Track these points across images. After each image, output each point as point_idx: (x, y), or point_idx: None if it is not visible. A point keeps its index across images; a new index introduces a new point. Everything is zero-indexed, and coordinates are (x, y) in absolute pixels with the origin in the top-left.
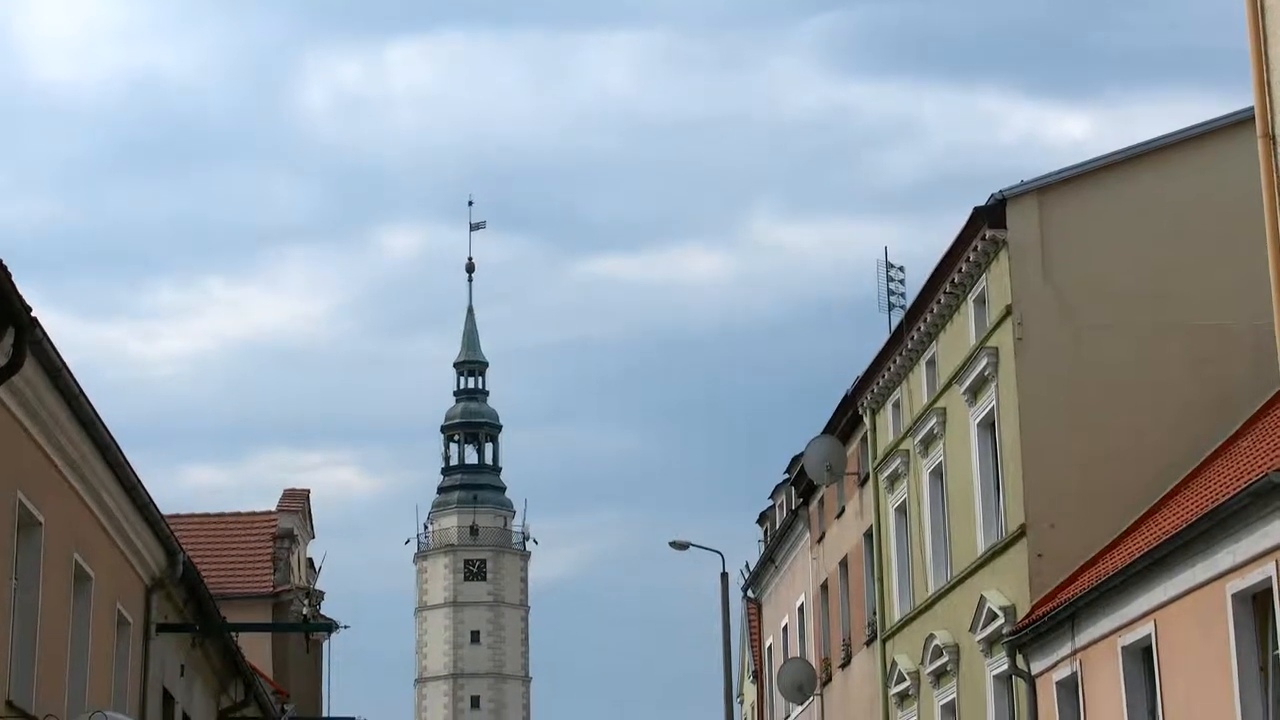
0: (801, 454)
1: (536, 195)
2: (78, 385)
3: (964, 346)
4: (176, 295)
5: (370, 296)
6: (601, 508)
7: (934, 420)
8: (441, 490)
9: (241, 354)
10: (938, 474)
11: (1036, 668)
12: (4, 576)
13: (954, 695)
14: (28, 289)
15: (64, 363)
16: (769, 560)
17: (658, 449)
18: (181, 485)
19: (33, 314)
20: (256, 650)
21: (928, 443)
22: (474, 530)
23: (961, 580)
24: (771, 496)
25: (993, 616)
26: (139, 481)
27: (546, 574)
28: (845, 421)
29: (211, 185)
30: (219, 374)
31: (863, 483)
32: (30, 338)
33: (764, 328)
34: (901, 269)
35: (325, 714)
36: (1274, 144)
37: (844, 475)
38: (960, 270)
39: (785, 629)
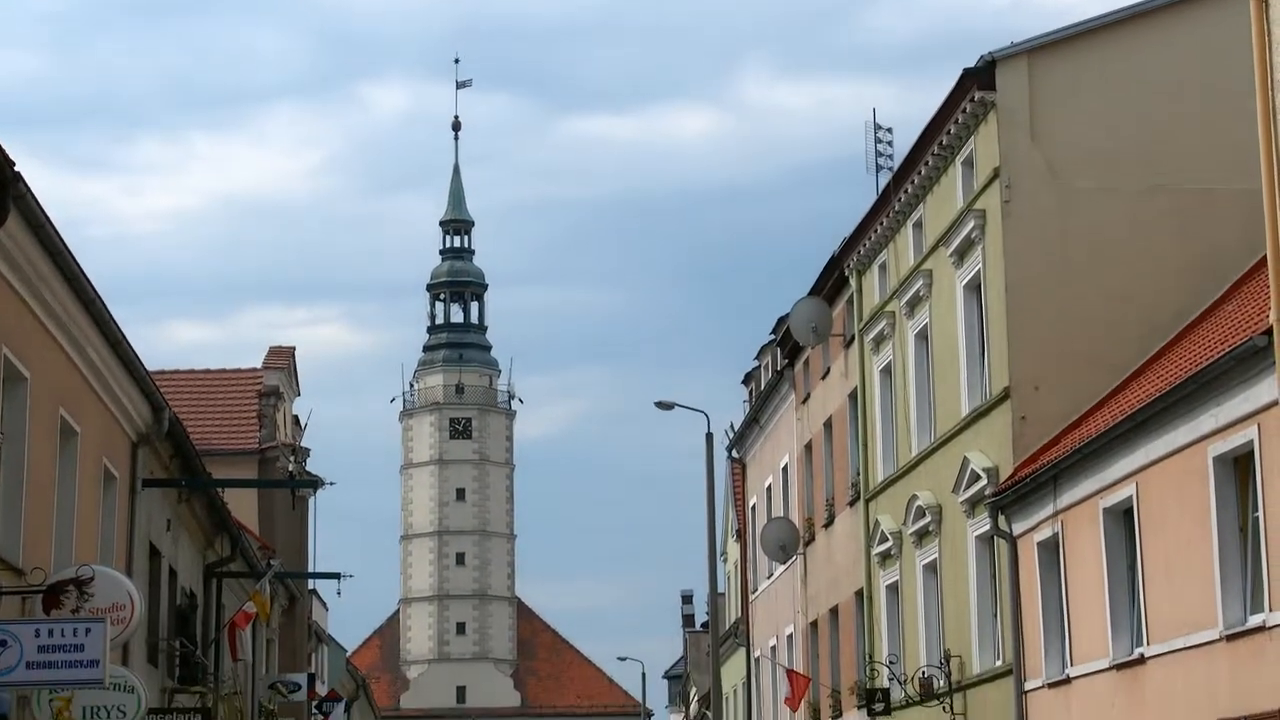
0: (787, 315)
1: (523, 54)
2: (62, 240)
3: (951, 209)
4: (162, 151)
5: (356, 154)
6: (587, 367)
7: (920, 282)
8: (427, 349)
9: (227, 210)
10: (923, 336)
11: (1018, 528)
12: None
13: (936, 555)
14: (10, 143)
15: (48, 218)
16: (754, 421)
17: (644, 309)
18: (167, 342)
19: (16, 168)
20: (242, 506)
21: (913, 305)
22: (459, 389)
23: (945, 442)
24: (757, 357)
25: (975, 478)
26: (124, 337)
27: (532, 432)
28: (831, 283)
29: (197, 40)
30: (204, 230)
31: (848, 344)
32: (14, 192)
33: (751, 188)
34: (890, 130)
35: (311, 570)
36: (1265, 6)
37: (829, 337)
38: (948, 132)
39: (769, 489)
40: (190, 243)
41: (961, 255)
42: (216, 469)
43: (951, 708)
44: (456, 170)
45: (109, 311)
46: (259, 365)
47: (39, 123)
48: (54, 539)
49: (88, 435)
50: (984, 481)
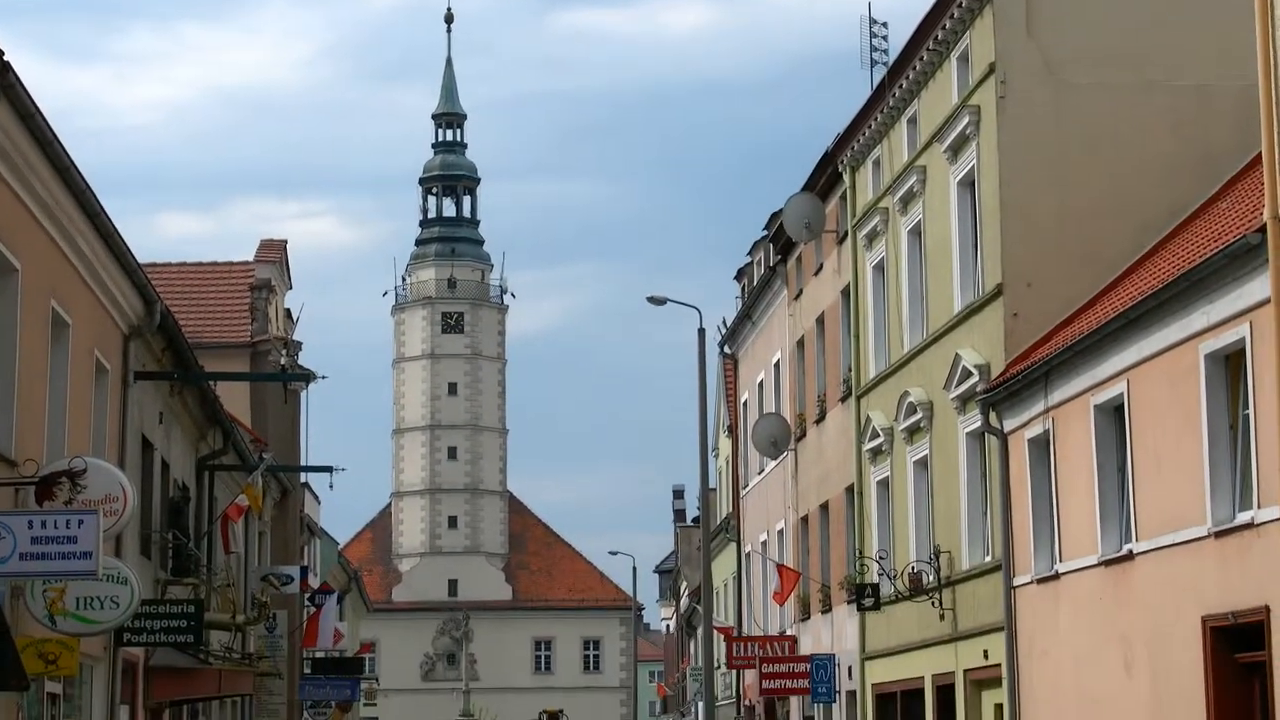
0: (781, 211)
1: None
2: (52, 131)
3: (946, 104)
4: (152, 41)
5: (348, 45)
6: (580, 262)
7: (914, 178)
8: (419, 243)
9: (218, 102)
10: (916, 232)
11: (1009, 425)
12: None
13: (927, 451)
14: None
15: (37, 108)
16: (746, 317)
17: (637, 204)
18: (158, 235)
19: (4, 57)
20: (234, 400)
21: (907, 201)
22: (452, 283)
23: (937, 338)
24: (750, 253)
25: (967, 374)
26: (115, 229)
27: (524, 327)
28: (825, 179)
29: None
30: (195, 122)
31: (841, 240)
32: (2, 82)
33: (746, 83)
34: (885, 25)
35: (303, 463)
36: None
37: (822, 233)
38: (944, 27)
39: (761, 384)
40: (181, 135)
41: (956, 151)
42: (208, 362)
43: (940, 603)
44: (449, 63)
45: (99, 203)
46: (251, 259)
47: (27, 11)
48: (46, 431)
49: (79, 327)
50: (975, 378)
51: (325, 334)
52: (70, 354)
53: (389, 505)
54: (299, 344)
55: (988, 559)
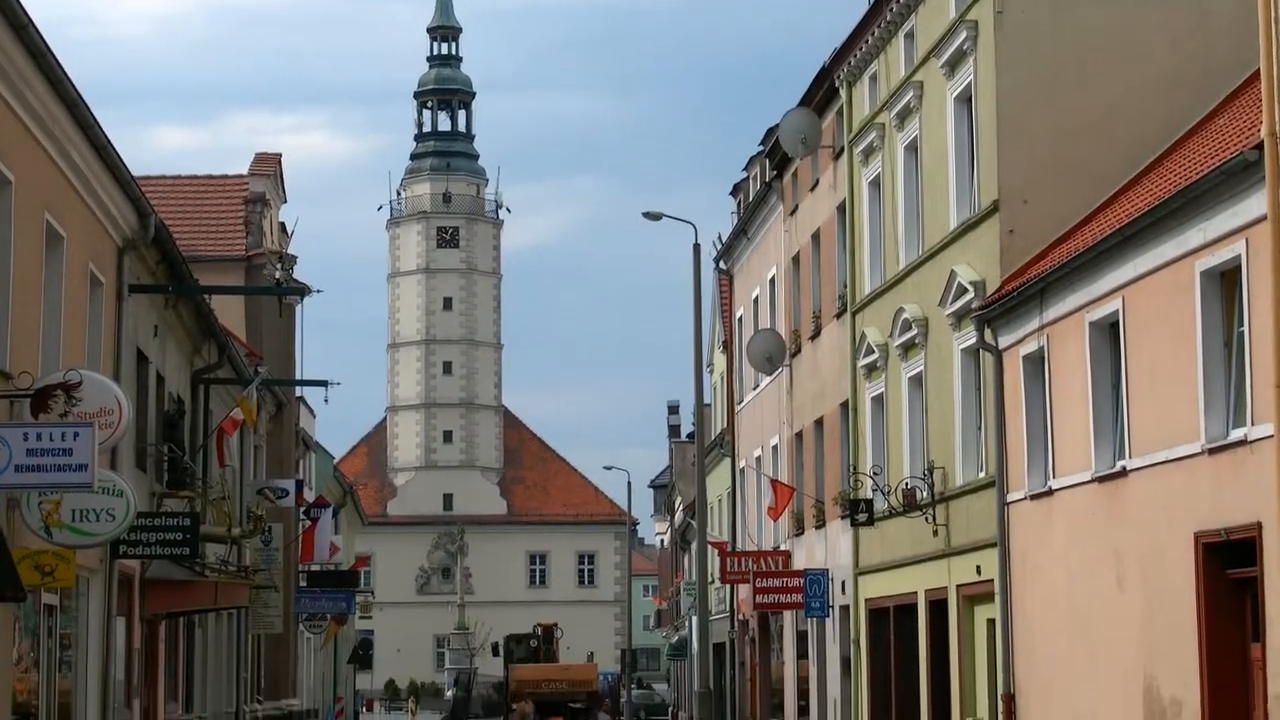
0: (777, 126)
1: None
2: (45, 42)
3: (943, 19)
4: None
5: None
6: (575, 176)
7: (911, 94)
8: (414, 157)
9: (211, 13)
10: (913, 148)
11: (1004, 341)
12: None
13: (921, 368)
14: None
15: (30, 18)
16: (741, 232)
17: (633, 118)
18: (152, 147)
19: None
20: (229, 314)
21: (904, 116)
22: (447, 197)
23: (933, 255)
24: (745, 168)
25: (962, 291)
26: (109, 141)
27: (519, 242)
28: (821, 94)
29: None
30: (188, 33)
31: (837, 156)
32: None
33: None
34: None
35: (298, 377)
36: None
37: (819, 148)
38: None
39: (756, 300)
40: (174, 47)
41: (953, 67)
42: (203, 275)
43: (934, 519)
44: None
45: (93, 115)
46: (245, 172)
47: None
48: (41, 343)
49: (73, 240)
50: (971, 295)
51: (320, 248)
52: (65, 267)
53: (384, 420)
54: (294, 258)
55: (981, 475)
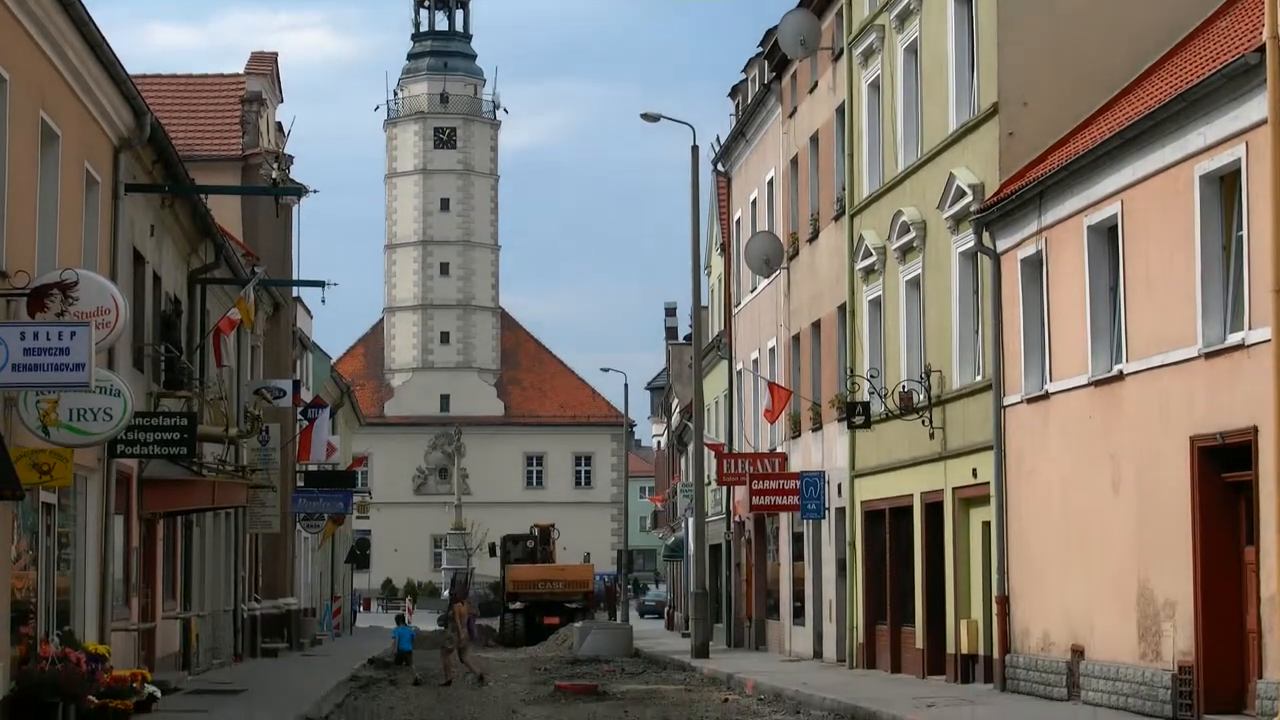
0: (776, 27)
1: None
2: None
3: None
4: None
5: None
6: (573, 78)
7: None
8: (411, 57)
9: None
10: (912, 50)
11: (1002, 245)
12: None
13: (919, 271)
14: None
15: None
16: (740, 134)
17: (632, 19)
18: (147, 45)
19: None
20: (226, 213)
21: (904, 18)
22: (444, 98)
23: (931, 158)
24: (744, 70)
25: (961, 194)
26: (103, 39)
27: (517, 143)
28: None
29: None
30: None
31: (836, 58)
32: None
33: None
34: None
35: (295, 278)
36: None
37: (818, 50)
38: None
39: (754, 202)
40: None
41: None
42: (199, 175)
43: (930, 421)
44: None
45: (87, 11)
46: (241, 71)
47: None
48: (37, 243)
49: (69, 139)
50: (969, 198)
51: (316, 148)
52: (60, 166)
53: (381, 320)
54: (290, 158)
55: (978, 378)
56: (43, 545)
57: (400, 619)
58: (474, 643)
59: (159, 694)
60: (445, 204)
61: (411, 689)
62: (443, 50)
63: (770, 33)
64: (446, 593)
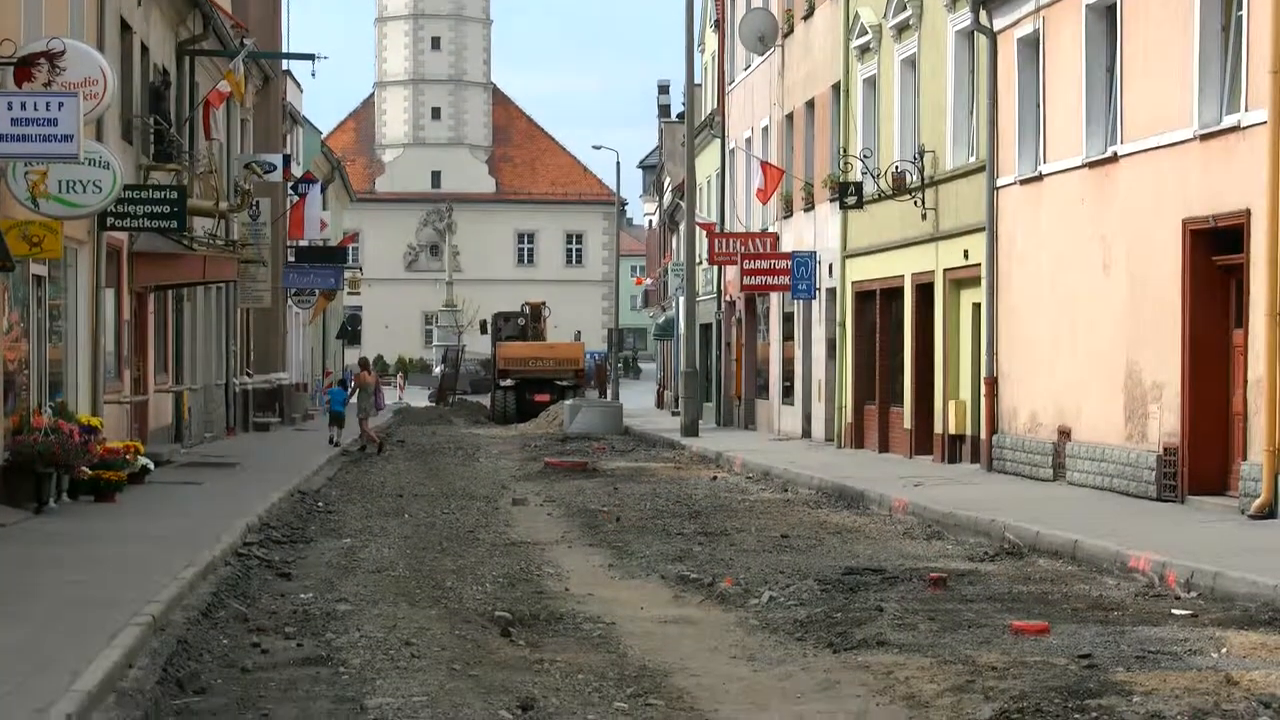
0: None
1: None
2: None
3: None
4: None
5: None
6: None
7: None
8: None
9: None
10: None
11: (999, 23)
12: None
13: (915, 49)
14: None
15: None
16: None
17: None
18: None
19: None
20: None
21: None
22: None
23: None
24: None
25: None
26: None
27: None
28: None
29: None
30: None
31: None
32: None
33: None
34: None
35: (285, 50)
36: None
37: None
38: None
39: None
40: None
41: None
42: None
43: (923, 202)
44: None
45: None
46: None
47: None
48: (23, 10)
49: None
50: None
51: None
52: None
53: (372, 95)
54: None
55: (972, 159)
56: (34, 317)
57: (343, 383)
58: (378, 413)
59: (152, 466)
60: None
61: (404, 464)
62: None
63: None
64: (438, 369)
